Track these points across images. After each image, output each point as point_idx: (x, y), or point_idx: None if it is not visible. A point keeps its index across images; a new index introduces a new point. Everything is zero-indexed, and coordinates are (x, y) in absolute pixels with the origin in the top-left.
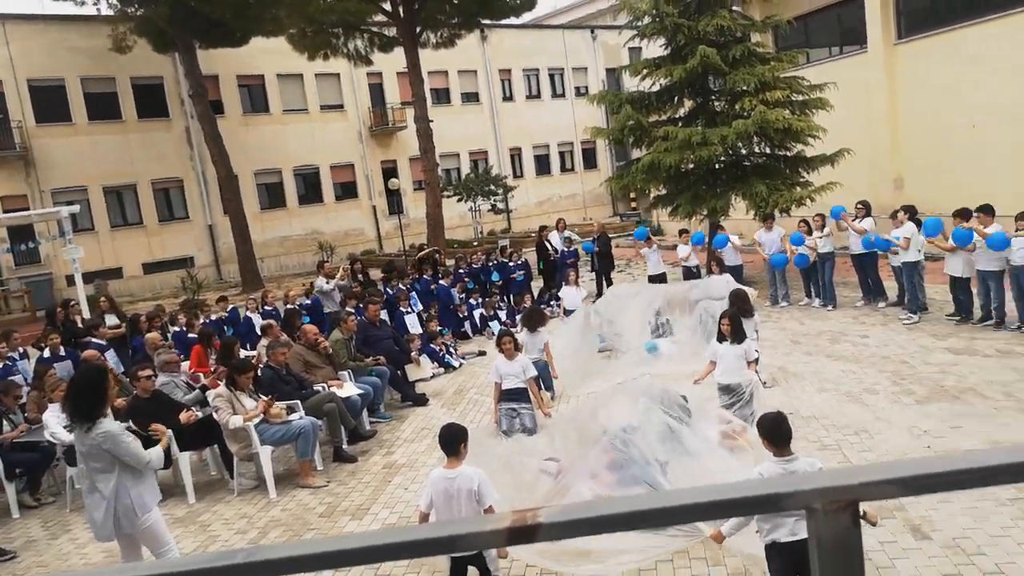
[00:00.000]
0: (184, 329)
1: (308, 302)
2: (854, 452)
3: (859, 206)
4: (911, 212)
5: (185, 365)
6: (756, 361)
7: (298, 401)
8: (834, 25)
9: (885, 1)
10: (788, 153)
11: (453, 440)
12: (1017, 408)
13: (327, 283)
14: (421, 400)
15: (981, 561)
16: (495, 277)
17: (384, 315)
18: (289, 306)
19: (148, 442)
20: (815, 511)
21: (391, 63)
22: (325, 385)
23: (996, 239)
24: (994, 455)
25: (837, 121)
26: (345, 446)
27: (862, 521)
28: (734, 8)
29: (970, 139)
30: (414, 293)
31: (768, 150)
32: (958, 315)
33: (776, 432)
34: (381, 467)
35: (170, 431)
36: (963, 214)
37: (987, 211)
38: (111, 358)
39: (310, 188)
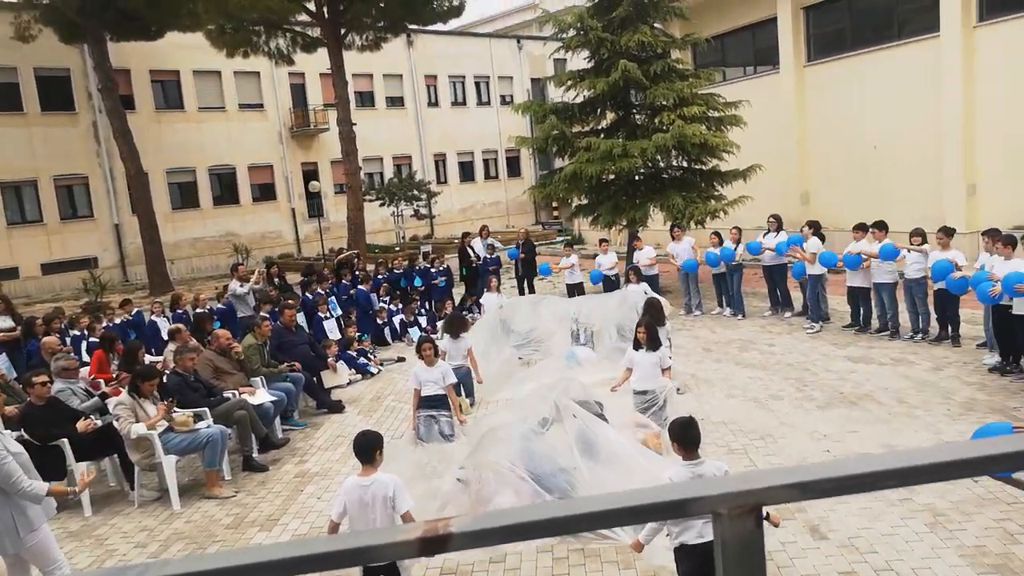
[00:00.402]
0: (85, 333)
1: (222, 306)
2: (760, 456)
3: (771, 220)
4: (815, 227)
5: (85, 371)
6: (669, 368)
7: (206, 408)
8: (748, 45)
9: (796, 25)
10: (704, 167)
11: (368, 447)
12: (908, 414)
13: (241, 287)
14: (337, 407)
15: (873, 559)
16: (417, 282)
17: (303, 321)
18: (200, 310)
19: (45, 451)
20: (721, 515)
21: (314, 64)
22: (236, 392)
23: (885, 250)
24: (884, 460)
25: (750, 138)
26: (256, 455)
27: (766, 523)
28: (655, 25)
29: (871, 158)
30: (333, 298)
31: (685, 164)
32: (856, 325)
33: (685, 436)
34: (293, 476)
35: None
36: (861, 228)
37: (881, 227)
38: (2, 363)
39: (226, 189)
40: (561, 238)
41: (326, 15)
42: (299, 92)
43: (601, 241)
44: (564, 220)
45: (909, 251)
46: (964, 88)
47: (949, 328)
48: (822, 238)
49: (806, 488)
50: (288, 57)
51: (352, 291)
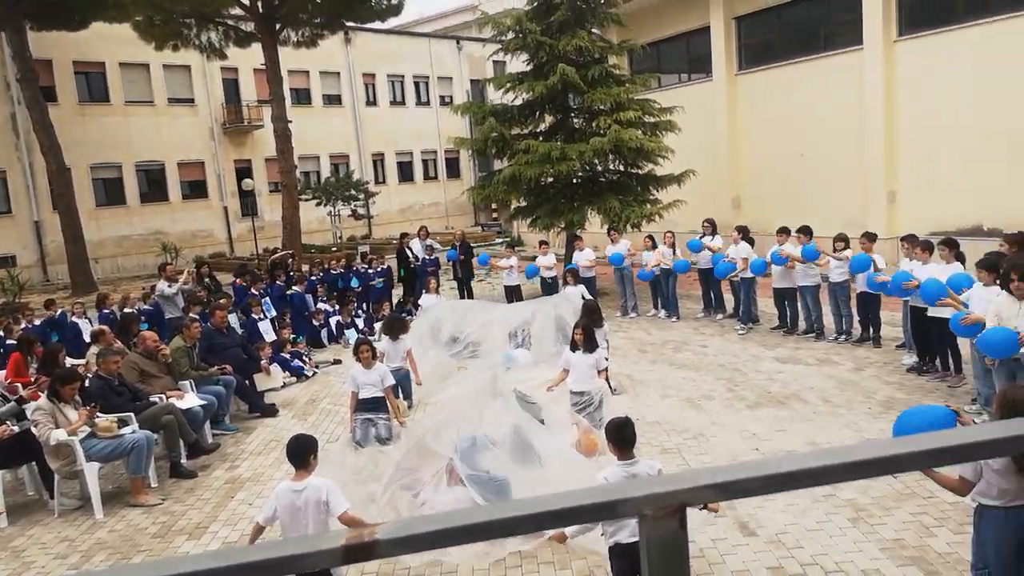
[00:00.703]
0: (2, 334)
1: (148, 307)
2: (692, 455)
3: (706, 224)
4: (744, 232)
5: (1, 374)
6: (606, 370)
7: (131, 414)
8: (683, 53)
9: (728, 34)
10: (640, 171)
11: (301, 452)
12: (831, 412)
13: (170, 287)
14: (270, 411)
15: (799, 554)
16: (355, 284)
17: (236, 322)
18: (128, 310)
19: None
20: (646, 516)
21: (248, 59)
22: (163, 396)
23: (807, 252)
24: (801, 460)
25: (684, 143)
26: (184, 461)
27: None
28: (593, 30)
29: (799, 165)
30: (267, 299)
31: (622, 167)
32: (783, 327)
33: (621, 436)
34: (223, 482)
35: None
36: (784, 231)
37: (805, 231)
38: None
39: (154, 185)
40: (501, 240)
41: (260, 9)
42: (232, 87)
43: (541, 243)
44: (503, 222)
45: (832, 258)
46: (885, 99)
47: (871, 330)
48: (751, 242)
49: (728, 488)
50: (220, 51)
51: (288, 292)
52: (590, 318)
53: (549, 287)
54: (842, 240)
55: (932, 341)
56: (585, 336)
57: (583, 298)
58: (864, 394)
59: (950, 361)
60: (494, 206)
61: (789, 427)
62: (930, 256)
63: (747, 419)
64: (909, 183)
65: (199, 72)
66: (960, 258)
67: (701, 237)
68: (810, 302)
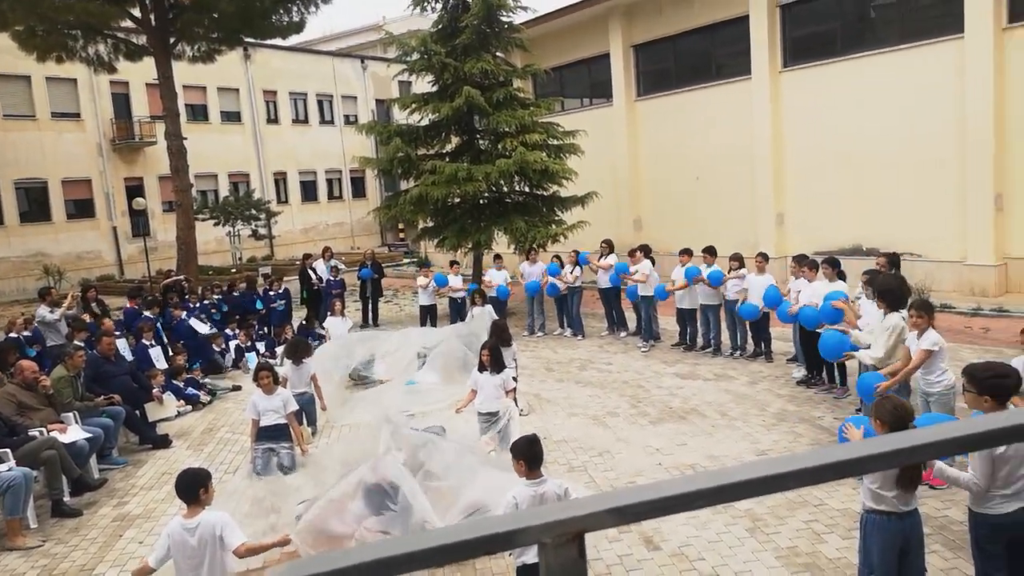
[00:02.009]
0: None
1: (27, 334)
2: (598, 472)
3: (603, 244)
4: (646, 251)
5: None
6: (514, 390)
7: (8, 450)
8: (585, 78)
9: (627, 61)
10: (545, 193)
11: (191, 486)
12: (729, 425)
13: (52, 312)
14: (162, 442)
15: (701, 566)
16: (258, 306)
17: (125, 348)
18: (13, 335)
19: None
20: (545, 545)
21: (140, 73)
22: (44, 429)
23: (712, 276)
24: (694, 481)
25: (587, 166)
26: (67, 498)
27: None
28: (498, 54)
29: (696, 188)
30: (159, 324)
31: (527, 189)
32: (683, 343)
33: (531, 453)
34: (111, 520)
35: None
36: (687, 252)
37: (711, 252)
38: None
39: (35, 204)
40: (408, 260)
41: (153, 23)
42: (122, 102)
43: (452, 263)
44: (410, 242)
45: (728, 278)
46: (772, 126)
47: (763, 345)
48: (653, 262)
49: (625, 512)
50: (109, 65)
51: (173, 323)
52: (499, 337)
53: (458, 307)
54: (737, 259)
55: (819, 355)
56: (492, 357)
57: (490, 317)
58: (758, 407)
59: (836, 374)
60: (401, 226)
61: (690, 441)
62: (815, 274)
63: (650, 435)
64: (795, 205)
65: (86, 86)
66: (842, 276)
67: (599, 258)
68: (712, 319)
